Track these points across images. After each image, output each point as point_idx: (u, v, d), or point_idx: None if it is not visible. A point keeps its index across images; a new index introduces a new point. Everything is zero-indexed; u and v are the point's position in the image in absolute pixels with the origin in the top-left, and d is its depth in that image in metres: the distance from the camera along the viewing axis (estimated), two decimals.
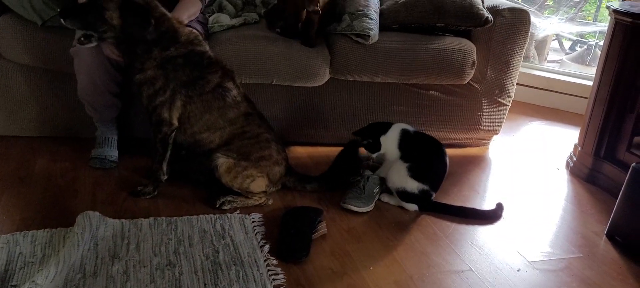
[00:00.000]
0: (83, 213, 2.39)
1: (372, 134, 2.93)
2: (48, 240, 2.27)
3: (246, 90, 2.86)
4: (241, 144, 2.72)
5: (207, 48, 2.76)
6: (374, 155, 2.96)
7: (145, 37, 2.54)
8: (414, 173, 2.79)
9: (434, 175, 2.87)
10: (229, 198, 2.70)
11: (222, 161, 2.66)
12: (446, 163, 2.91)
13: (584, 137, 3.47)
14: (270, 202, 2.78)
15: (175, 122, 2.68)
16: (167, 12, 2.65)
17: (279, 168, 2.80)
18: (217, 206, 2.67)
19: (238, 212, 2.64)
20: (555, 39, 5.85)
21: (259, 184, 2.73)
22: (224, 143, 2.73)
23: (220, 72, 2.72)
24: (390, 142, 2.90)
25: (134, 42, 2.56)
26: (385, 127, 2.94)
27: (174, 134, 2.70)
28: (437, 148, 2.90)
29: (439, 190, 2.93)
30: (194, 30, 2.77)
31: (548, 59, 5.51)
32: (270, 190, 2.82)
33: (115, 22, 2.50)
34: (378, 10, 3.43)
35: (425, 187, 2.81)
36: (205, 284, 2.13)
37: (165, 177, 2.76)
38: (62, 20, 2.50)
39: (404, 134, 2.90)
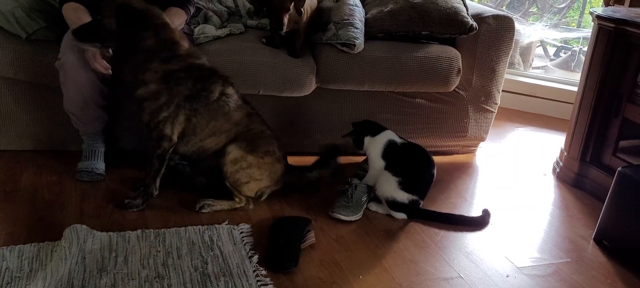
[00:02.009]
0: (70, 227, 2.37)
1: (361, 131, 2.98)
2: (35, 255, 2.25)
3: None
4: (248, 137, 2.75)
5: (205, 60, 2.76)
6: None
7: (142, 43, 2.54)
8: (404, 186, 2.80)
9: (423, 185, 2.89)
10: (208, 202, 2.73)
11: (233, 150, 2.69)
12: (433, 173, 2.92)
13: (570, 143, 3.49)
14: (251, 207, 2.79)
15: (176, 138, 2.68)
16: (169, 22, 2.65)
17: (280, 165, 2.83)
18: (197, 210, 2.70)
19: (227, 222, 2.63)
20: (539, 46, 5.89)
21: (252, 187, 2.75)
22: (231, 141, 2.74)
23: (221, 80, 2.73)
24: (374, 148, 2.93)
25: (133, 50, 2.56)
26: (376, 130, 2.96)
27: (171, 149, 2.70)
28: (424, 158, 2.91)
29: (426, 198, 2.94)
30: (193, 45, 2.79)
31: (533, 66, 5.54)
32: (270, 190, 2.84)
33: (113, 27, 2.51)
34: (363, 19, 3.44)
35: (415, 197, 2.82)
36: None
37: (157, 193, 2.75)
38: (79, 42, 2.56)
39: (390, 145, 2.91)
